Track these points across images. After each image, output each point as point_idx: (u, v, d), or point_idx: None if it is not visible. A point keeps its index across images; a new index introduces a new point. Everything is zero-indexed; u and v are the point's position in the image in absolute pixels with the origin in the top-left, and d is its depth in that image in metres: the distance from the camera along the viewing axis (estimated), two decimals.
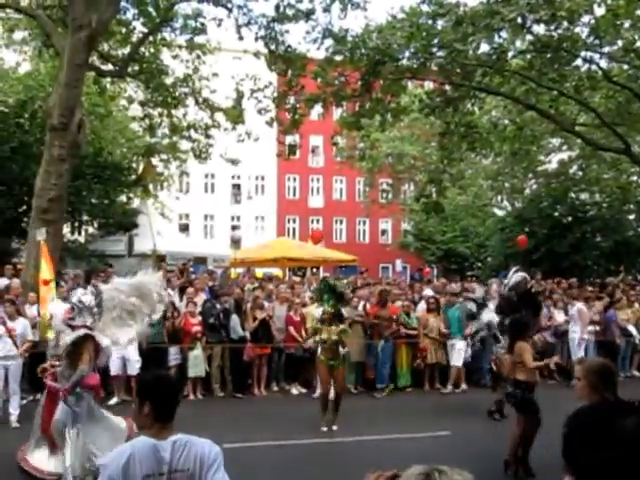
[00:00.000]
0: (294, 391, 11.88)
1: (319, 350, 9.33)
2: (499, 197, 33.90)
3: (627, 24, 14.98)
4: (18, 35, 19.39)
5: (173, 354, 11.16)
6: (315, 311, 11.78)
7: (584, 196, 28.76)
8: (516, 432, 7.09)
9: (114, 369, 10.37)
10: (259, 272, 18.49)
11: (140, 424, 3.08)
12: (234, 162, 19.72)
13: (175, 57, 18.49)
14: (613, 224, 26.17)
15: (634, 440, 1.33)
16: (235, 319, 11.75)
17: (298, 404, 10.90)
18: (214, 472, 2.82)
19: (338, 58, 15.89)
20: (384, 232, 42.60)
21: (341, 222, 41.90)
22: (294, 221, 40.31)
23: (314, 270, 21.61)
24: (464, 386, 12.40)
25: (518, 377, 7.23)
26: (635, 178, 27.80)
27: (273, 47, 16.27)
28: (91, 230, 24.53)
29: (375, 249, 38.78)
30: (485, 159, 26.06)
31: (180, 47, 18.36)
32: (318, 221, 40.72)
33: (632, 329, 14.34)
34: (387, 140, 28.65)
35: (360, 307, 12.61)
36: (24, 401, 9.13)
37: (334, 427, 8.97)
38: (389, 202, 33.43)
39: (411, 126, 27.92)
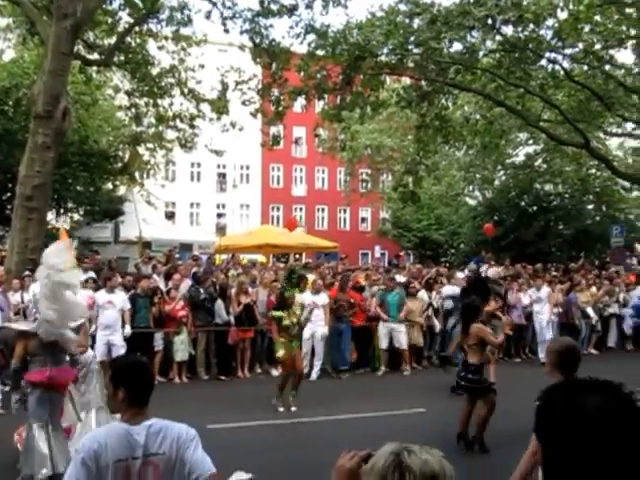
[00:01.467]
0: (275, 373, 11.74)
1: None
2: (471, 187, 33.98)
3: (587, 28, 15.12)
4: (2, 22, 18.78)
5: (158, 339, 10.93)
6: (298, 296, 11.66)
7: (548, 187, 29.12)
8: (481, 413, 6.99)
9: (99, 355, 10.04)
10: (244, 258, 18.25)
11: (114, 409, 2.97)
12: (218, 153, 19.38)
13: (161, 48, 18.06)
14: (574, 213, 26.58)
15: (597, 418, 1.32)
16: (220, 304, 11.61)
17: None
18: (193, 451, 2.71)
19: (320, 53, 15.80)
20: (364, 220, 42.51)
21: (323, 210, 41.72)
22: (278, 209, 40.02)
23: (297, 256, 21.44)
24: (408, 367, 12.27)
25: (471, 360, 7.12)
26: (594, 171, 28.14)
27: (257, 41, 16.00)
28: (77, 217, 24.04)
29: (355, 236, 38.68)
30: (458, 151, 26.08)
31: (166, 38, 17.94)
32: (301, 209, 40.49)
33: (590, 311, 14.53)
34: (366, 132, 28.50)
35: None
36: (6, 387, 8.77)
37: (293, 408, 8.88)
38: (368, 191, 33.36)
39: (389, 119, 27.80)
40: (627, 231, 23.34)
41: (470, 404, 7.10)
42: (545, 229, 25.53)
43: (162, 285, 11.85)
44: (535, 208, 26.86)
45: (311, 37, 15.64)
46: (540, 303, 13.68)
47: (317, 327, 11.44)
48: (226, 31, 16.04)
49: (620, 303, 15.30)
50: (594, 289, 15.32)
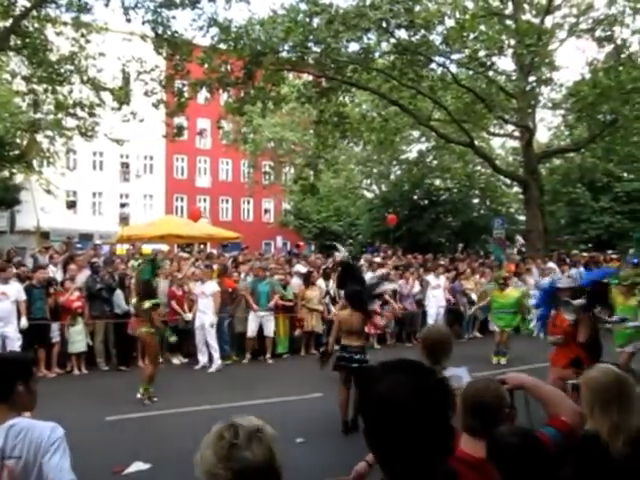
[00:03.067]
0: (176, 361, 11.47)
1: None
2: (368, 181, 34.75)
3: (472, 36, 15.78)
4: None
5: (55, 330, 10.35)
6: (199, 287, 11.39)
7: (438, 182, 30.25)
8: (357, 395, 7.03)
9: None
10: (147, 249, 17.58)
11: None
12: (119, 142, 18.58)
13: (59, 34, 17.02)
14: (461, 207, 27.84)
15: (383, 399, 1.39)
16: (119, 294, 11.16)
17: (180, 374, 10.56)
18: (50, 456, 2.43)
19: (223, 46, 15.50)
20: (267, 211, 42.39)
21: (227, 201, 41.21)
22: (182, 200, 39.05)
23: (201, 247, 21.00)
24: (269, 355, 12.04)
25: (354, 343, 7.07)
26: (479, 168, 29.54)
27: (160, 31, 15.44)
28: None
29: (258, 227, 38.49)
30: (356, 146, 26.54)
31: (65, 24, 16.91)
32: (205, 200, 39.77)
33: (475, 297, 15.15)
34: (269, 126, 28.37)
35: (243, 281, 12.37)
36: None
37: (155, 399, 8.53)
38: (271, 183, 33.29)
39: (291, 114, 27.84)
40: (508, 223, 24.73)
41: (347, 388, 7.06)
42: (435, 221, 26.60)
43: (60, 275, 11.25)
44: (426, 201, 27.88)
45: (214, 31, 15.41)
46: (438, 289, 14.17)
47: (205, 317, 11.11)
48: (128, 20, 15.39)
49: None
50: (477, 277, 16.05)
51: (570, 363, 6.32)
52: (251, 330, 11.83)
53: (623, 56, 17.89)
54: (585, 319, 6.49)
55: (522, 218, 27.42)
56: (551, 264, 16.86)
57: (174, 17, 15.58)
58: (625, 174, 26.49)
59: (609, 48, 18.50)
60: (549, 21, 19.10)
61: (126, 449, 6.43)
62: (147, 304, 8.52)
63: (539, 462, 2.04)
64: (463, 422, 2.36)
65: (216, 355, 11.10)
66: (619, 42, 18.18)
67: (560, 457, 2.19)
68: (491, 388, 2.35)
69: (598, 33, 18.48)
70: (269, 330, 11.92)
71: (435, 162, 29.47)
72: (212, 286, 11.34)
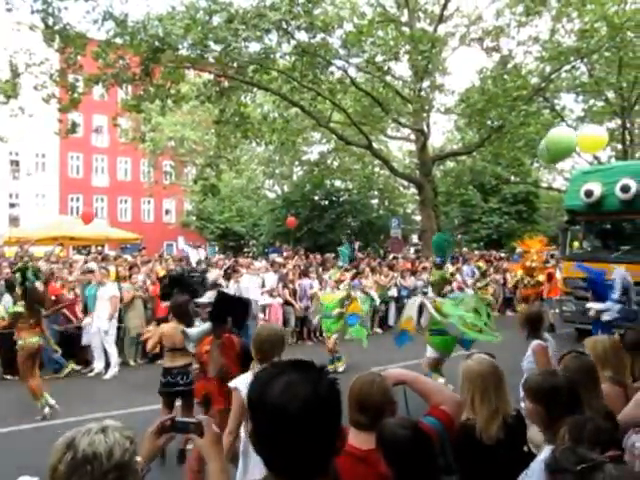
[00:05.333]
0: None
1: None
2: (270, 181, 34.71)
3: (370, 41, 16.18)
4: None
5: None
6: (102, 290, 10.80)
7: (338, 183, 30.76)
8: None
9: None
10: (39, 251, 16.51)
11: None
12: (3, 139, 17.30)
13: None
14: (360, 207, 28.45)
15: (275, 401, 1.37)
16: (7, 299, 10.34)
17: (74, 382, 9.98)
18: None
19: (119, 41, 14.88)
20: (168, 212, 41.28)
21: (126, 201, 39.73)
22: (77, 200, 37.14)
23: (99, 248, 20.08)
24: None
25: (177, 364, 6.08)
26: (377, 169, 30.35)
27: (50, 22, 14.55)
28: None
29: (159, 228, 37.43)
30: (258, 147, 26.46)
31: None
32: (103, 200, 38.17)
33: (374, 294, 15.49)
34: (169, 124, 27.65)
35: (140, 283, 11.88)
36: None
37: None
38: (172, 183, 32.47)
39: (192, 113, 27.28)
40: (404, 223, 25.60)
41: (170, 410, 6.14)
42: (335, 221, 27.03)
43: None
44: (327, 202, 28.30)
45: (110, 24, 14.78)
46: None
47: (101, 321, 10.52)
48: (8, 10, 14.33)
49: (398, 287, 16.55)
50: (377, 275, 16.40)
51: (201, 400, 5.08)
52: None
53: (509, 65, 19.01)
54: (215, 347, 4.83)
55: (418, 218, 28.47)
56: None
57: (66, 8, 14.74)
58: (512, 177, 28.22)
59: (497, 57, 19.61)
60: (442, 29, 19.97)
61: (13, 463, 6.02)
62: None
63: (428, 452, 2.10)
64: (350, 417, 2.37)
65: (113, 361, 10.61)
66: (505, 52, 19.32)
67: (442, 447, 2.26)
68: (376, 383, 2.38)
69: (487, 43, 19.53)
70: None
71: (336, 163, 29.96)
72: (109, 290, 10.80)
